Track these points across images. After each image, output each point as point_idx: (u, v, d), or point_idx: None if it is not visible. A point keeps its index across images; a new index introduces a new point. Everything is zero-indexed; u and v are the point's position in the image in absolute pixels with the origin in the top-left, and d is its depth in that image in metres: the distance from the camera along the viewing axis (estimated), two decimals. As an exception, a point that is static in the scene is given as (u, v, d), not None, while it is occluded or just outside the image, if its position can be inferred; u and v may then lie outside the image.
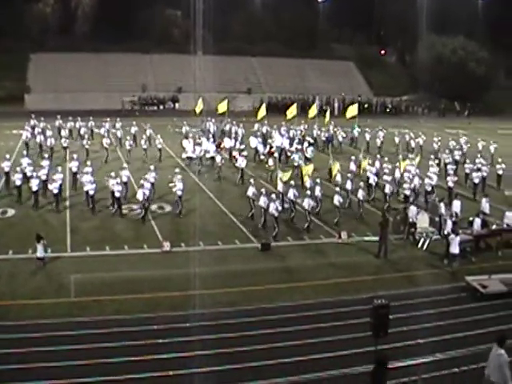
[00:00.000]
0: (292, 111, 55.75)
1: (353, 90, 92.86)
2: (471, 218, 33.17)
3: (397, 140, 55.45)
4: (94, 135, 55.23)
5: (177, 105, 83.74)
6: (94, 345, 21.05)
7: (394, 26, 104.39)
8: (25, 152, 46.85)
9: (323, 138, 56.50)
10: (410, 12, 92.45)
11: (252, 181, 36.92)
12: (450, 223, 31.34)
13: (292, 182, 36.57)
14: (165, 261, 29.34)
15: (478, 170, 43.84)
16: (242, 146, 49.10)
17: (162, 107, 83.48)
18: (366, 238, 33.42)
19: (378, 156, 46.03)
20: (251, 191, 35.72)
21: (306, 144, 50.63)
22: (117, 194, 35.70)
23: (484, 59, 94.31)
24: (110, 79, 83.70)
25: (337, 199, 35.38)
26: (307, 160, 46.58)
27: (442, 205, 34.24)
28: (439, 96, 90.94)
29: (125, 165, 39.51)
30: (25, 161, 40.69)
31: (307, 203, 34.16)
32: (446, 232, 30.97)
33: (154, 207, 36.98)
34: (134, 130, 54.06)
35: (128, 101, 79.93)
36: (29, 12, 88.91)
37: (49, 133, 51.32)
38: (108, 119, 56.97)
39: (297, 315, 24.06)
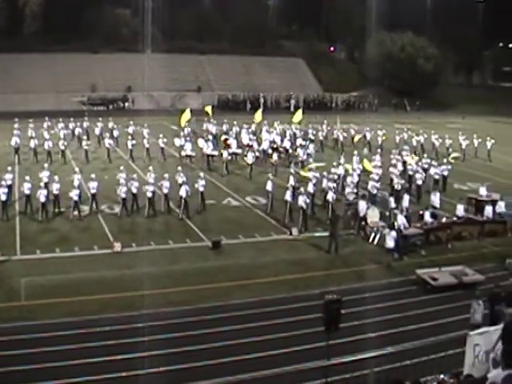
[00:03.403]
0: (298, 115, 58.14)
1: (302, 86, 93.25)
2: (421, 212, 33.61)
3: (397, 138, 55.78)
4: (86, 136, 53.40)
5: (127, 104, 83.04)
6: (45, 348, 20.77)
7: (343, 22, 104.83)
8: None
9: (321, 138, 56.79)
10: (358, 8, 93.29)
11: (271, 175, 38.16)
12: (400, 217, 31.67)
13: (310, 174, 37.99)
14: (116, 261, 29.08)
15: (425, 170, 42.67)
16: (251, 143, 49.86)
17: (111, 107, 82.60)
18: (317, 234, 33.57)
19: (379, 151, 47.07)
20: (270, 185, 36.65)
21: (300, 141, 51.43)
22: (149, 195, 35.64)
23: (432, 55, 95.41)
24: (59, 79, 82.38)
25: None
26: (309, 156, 47.43)
27: (391, 199, 34.61)
28: (393, 93, 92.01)
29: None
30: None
31: (331, 196, 35.18)
32: (396, 226, 31.30)
33: (103, 207, 36.63)
34: (131, 129, 52.66)
35: (77, 101, 78.85)
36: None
37: (46, 135, 49.53)
38: (100, 119, 55.87)
39: (248, 312, 24.08)
